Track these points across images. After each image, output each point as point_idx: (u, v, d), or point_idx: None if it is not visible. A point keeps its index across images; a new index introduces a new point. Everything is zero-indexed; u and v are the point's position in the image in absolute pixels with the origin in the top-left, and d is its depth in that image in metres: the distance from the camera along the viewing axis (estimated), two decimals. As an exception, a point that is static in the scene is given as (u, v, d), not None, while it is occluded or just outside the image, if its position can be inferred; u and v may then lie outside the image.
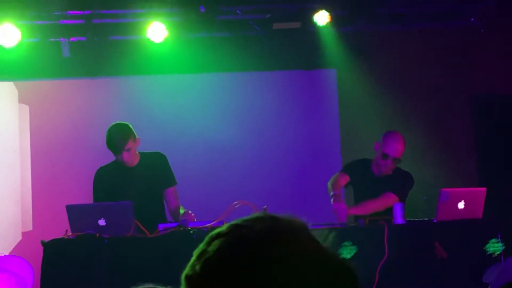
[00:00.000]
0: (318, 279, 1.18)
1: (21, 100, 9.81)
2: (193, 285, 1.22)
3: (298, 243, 1.21)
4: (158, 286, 3.15)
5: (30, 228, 9.69)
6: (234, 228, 1.24)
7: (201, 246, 1.25)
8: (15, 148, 9.90)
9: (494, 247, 6.55)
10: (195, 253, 1.26)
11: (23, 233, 9.64)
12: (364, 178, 7.73)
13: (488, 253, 6.65)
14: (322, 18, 9.16)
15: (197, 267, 1.21)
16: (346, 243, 6.53)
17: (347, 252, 6.48)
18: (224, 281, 1.17)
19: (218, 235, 1.23)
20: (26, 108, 9.99)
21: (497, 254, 6.59)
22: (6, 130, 9.85)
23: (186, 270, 1.24)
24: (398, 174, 7.60)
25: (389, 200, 7.26)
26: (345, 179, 7.77)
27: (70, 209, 6.68)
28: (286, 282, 1.15)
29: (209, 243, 1.23)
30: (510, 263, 2.99)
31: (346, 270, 1.23)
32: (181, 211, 7.26)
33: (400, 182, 7.51)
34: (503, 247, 6.68)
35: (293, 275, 1.16)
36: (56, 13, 8.86)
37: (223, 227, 1.27)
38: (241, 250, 1.19)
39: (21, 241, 9.56)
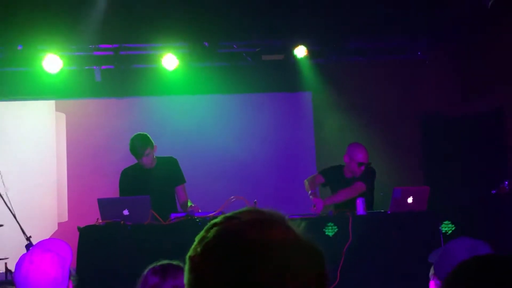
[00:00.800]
0: (293, 257, 1.22)
1: (58, 109, 9.77)
2: (195, 264, 1.27)
3: (276, 230, 1.25)
4: (172, 262, 3.32)
5: (66, 219, 9.53)
6: (227, 219, 1.29)
7: (202, 233, 1.30)
8: (53, 150, 9.81)
9: (447, 227, 6.69)
10: (197, 238, 1.31)
11: (59, 224, 9.55)
12: (338, 180, 7.67)
13: (443, 231, 6.71)
14: (301, 51, 9.28)
15: (198, 249, 1.27)
16: (329, 224, 6.65)
17: (330, 231, 6.62)
18: (219, 260, 1.22)
19: (214, 224, 1.29)
20: (63, 116, 9.84)
21: (450, 233, 6.67)
22: (45, 135, 9.77)
23: (190, 252, 1.30)
24: (368, 169, 7.68)
25: (358, 187, 7.33)
26: (320, 180, 7.78)
27: (101, 201, 6.76)
28: (267, 261, 1.19)
29: (208, 230, 1.29)
30: (450, 246, 2.74)
31: (315, 251, 1.28)
32: (189, 204, 7.30)
33: (365, 175, 7.54)
34: (454, 227, 6.74)
35: (272, 255, 1.20)
36: (90, 46, 9.00)
37: (219, 218, 1.31)
38: (232, 236, 1.25)
39: (57, 230, 9.46)
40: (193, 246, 1.30)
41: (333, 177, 7.76)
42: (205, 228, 1.31)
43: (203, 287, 1.25)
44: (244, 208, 1.34)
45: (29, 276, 2.84)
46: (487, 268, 1.61)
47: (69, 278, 2.98)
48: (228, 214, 1.32)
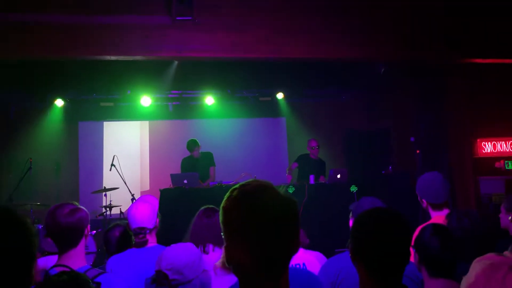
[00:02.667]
0: (278, 204, 1.21)
1: (149, 124, 9.87)
2: (225, 210, 1.23)
3: (270, 190, 1.24)
4: (215, 207, 3.27)
5: (148, 188, 9.49)
6: (242, 185, 1.26)
7: (228, 193, 1.26)
8: (138, 145, 9.81)
9: (353, 188, 6.78)
10: (226, 196, 1.26)
11: (141, 192, 9.24)
12: (308, 161, 7.61)
13: (351, 191, 6.81)
14: (280, 95, 9.51)
15: (227, 202, 1.23)
16: (289, 188, 6.79)
17: (290, 189, 6.66)
18: (239, 208, 1.20)
19: (236, 188, 1.25)
20: (146, 123, 9.85)
21: (356, 191, 6.78)
22: (138, 138, 9.85)
23: (222, 204, 1.25)
24: (321, 160, 7.77)
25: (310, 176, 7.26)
26: (295, 165, 7.66)
27: (172, 175, 6.88)
28: (264, 207, 1.19)
29: (232, 191, 1.25)
30: (361, 200, 2.61)
31: (292, 200, 1.24)
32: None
33: (322, 163, 7.73)
34: (357, 189, 6.77)
35: (267, 203, 1.20)
36: (166, 91, 9.20)
37: (238, 185, 1.27)
38: (246, 194, 1.23)
39: (146, 191, 9.23)
40: (224, 200, 1.26)
41: (304, 160, 7.64)
42: (230, 189, 1.27)
43: (230, 222, 1.22)
44: (251, 179, 1.31)
45: (134, 214, 2.82)
46: (375, 212, 1.63)
47: (157, 217, 2.93)
48: (242, 182, 1.28)
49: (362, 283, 1.55)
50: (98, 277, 2.00)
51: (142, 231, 2.77)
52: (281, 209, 1.21)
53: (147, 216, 2.81)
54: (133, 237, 2.88)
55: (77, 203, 2.35)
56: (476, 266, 1.27)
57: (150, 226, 2.80)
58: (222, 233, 1.25)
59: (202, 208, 3.39)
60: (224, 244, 1.23)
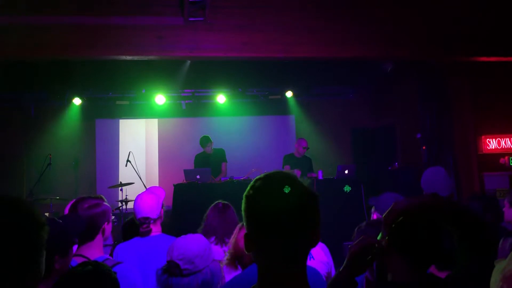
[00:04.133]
0: (300, 195, 1.18)
1: (159, 122, 9.89)
2: (248, 198, 1.21)
3: (294, 181, 1.20)
4: (227, 203, 3.38)
5: (162, 183, 9.37)
6: (267, 174, 1.23)
7: (252, 182, 1.23)
8: (152, 142, 9.80)
9: (347, 188, 6.80)
10: (250, 184, 1.23)
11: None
12: (294, 160, 7.56)
13: (345, 191, 6.82)
14: (289, 93, 9.44)
15: (251, 191, 1.20)
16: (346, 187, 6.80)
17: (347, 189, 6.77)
18: (261, 197, 1.18)
19: (260, 178, 1.23)
20: (160, 121, 9.85)
21: (349, 191, 6.77)
22: (149, 133, 9.85)
23: (245, 192, 1.22)
24: (306, 157, 7.70)
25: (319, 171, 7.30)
26: (287, 167, 7.54)
27: (185, 170, 6.94)
28: (286, 195, 1.16)
29: (256, 181, 1.22)
30: (385, 195, 2.66)
31: (314, 193, 1.23)
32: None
33: (308, 160, 7.67)
34: (350, 188, 6.77)
35: (290, 194, 1.17)
36: (180, 90, 9.23)
37: (262, 175, 1.24)
38: (270, 184, 1.20)
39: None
40: (247, 189, 1.23)
41: (291, 160, 7.61)
42: (255, 179, 1.24)
43: (251, 209, 1.20)
44: (276, 170, 1.26)
45: (139, 204, 2.84)
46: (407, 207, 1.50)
47: (161, 208, 2.91)
48: (267, 172, 1.25)
49: (400, 273, 1.52)
50: (114, 267, 2.03)
51: (146, 220, 2.79)
52: (302, 200, 1.19)
53: (151, 207, 2.82)
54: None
55: (102, 197, 2.39)
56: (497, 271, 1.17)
57: (154, 216, 2.82)
58: (242, 222, 1.23)
59: (215, 202, 3.42)
60: (246, 232, 1.21)
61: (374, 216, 2.68)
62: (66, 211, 2.88)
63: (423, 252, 1.49)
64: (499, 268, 1.17)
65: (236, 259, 2.08)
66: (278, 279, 1.16)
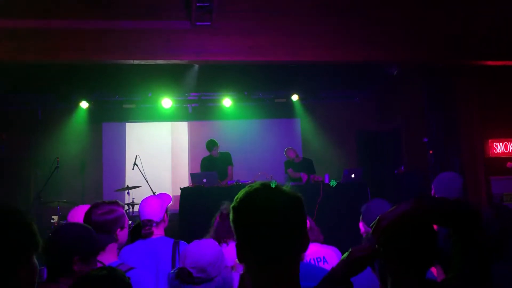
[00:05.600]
0: (280, 201, 1.20)
1: (172, 126, 9.89)
2: (234, 210, 1.23)
3: (273, 189, 1.22)
4: (226, 202, 3.31)
5: (169, 187, 9.45)
6: (249, 186, 1.25)
7: (237, 195, 1.25)
8: (159, 146, 9.84)
9: (332, 183, 6.79)
10: (235, 197, 1.25)
11: (162, 190, 9.09)
12: (293, 165, 7.69)
13: (331, 185, 6.78)
14: (295, 97, 9.44)
15: (236, 203, 1.23)
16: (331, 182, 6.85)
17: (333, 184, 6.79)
18: (242, 208, 1.20)
19: (244, 190, 1.25)
20: (167, 124, 9.86)
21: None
22: (155, 136, 9.85)
23: (232, 204, 1.25)
24: (305, 159, 7.83)
25: (312, 176, 7.34)
26: (291, 170, 7.72)
27: (192, 174, 7.01)
28: (274, 203, 1.18)
29: (240, 193, 1.25)
30: (370, 204, 2.61)
31: (296, 197, 1.22)
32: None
33: (308, 161, 7.76)
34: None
35: (269, 201, 1.19)
36: (186, 94, 9.28)
37: (254, 184, 1.26)
38: (249, 195, 1.23)
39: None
40: (233, 201, 1.26)
41: (292, 165, 7.75)
42: (240, 192, 1.26)
43: (236, 221, 1.23)
44: (257, 182, 1.28)
45: (143, 207, 2.89)
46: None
47: (165, 212, 2.94)
48: (259, 182, 1.27)
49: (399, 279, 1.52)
50: (128, 272, 2.04)
51: (149, 223, 2.84)
52: (286, 205, 1.20)
53: (155, 210, 2.86)
54: None
55: (117, 202, 2.41)
56: None
57: (157, 219, 2.85)
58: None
59: (221, 208, 3.42)
60: (236, 243, 1.23)
61: (361, 226, 2.66)
62: (70, 215, 2.91)
63: (418, 258, 1.48)
64: None
65: None
66: (269, 285, 1.16)
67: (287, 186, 1.25)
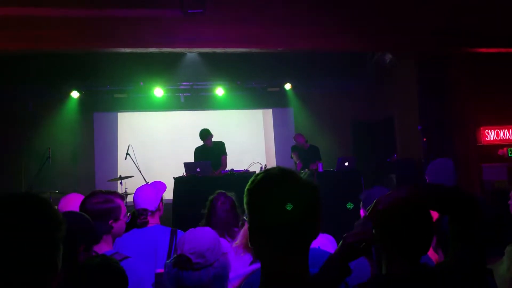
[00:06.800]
0: (299, 189, 1.20)
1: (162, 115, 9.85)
2: (250, 193, 1.22)
3: (292, 175, 1.22)
4: (229, 194, 3.33)
5: (162, 176, 9.65)
6: (267, 170, 1.25)
7: (253, 177, 1.24)
8: (151, 135, 9.71)
9: (349, 205, 6.20)
10: (251, 179, 1.24)
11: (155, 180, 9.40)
12: (300, 151, 7.68)
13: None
14: (287, 86, 9.47)
15: (253, 186, 1.22)
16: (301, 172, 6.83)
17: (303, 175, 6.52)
18: (261, 191, 1.20)
19: (261, 172, 1.25)
20: (159, 114, 9.73)
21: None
22: (148, 126, 9.74)
23: (247, 186, 1.23)
24: (312, 146, 7.79)
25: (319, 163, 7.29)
26: (296, 154, 7.72)
27: (185, 164, 6.89)
28: (285, 189, 1.18)
29: (257, 175, 1.24)
30: (371, 191, 2.64)
31: (313, 186, 1.23)
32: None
33: (315, 149, 7.79)
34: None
35: (289, 188, 1.19)
36: (178, 83, 9.21)
37: (263, 170, 1.26)
38: (270, 178, 1.22)
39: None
40: (249, 183, 1.24)
41: (299, 150, 7.73)
42: (255, 174, 1.25)
43: (253, 204, 1.22)
44: (275, 167, 1.28)
45: (138, 196, 2.88)
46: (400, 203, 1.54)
47: (161, 201, 2.93)
48: (266, 169, 1.27)
49: (393, 265, 1.53)
50: (122, 261, 2.02)
51: (144, 212, 2.83)
52: (301, 194, 1.19)
53: (150, 199, 2.85)
54: None
55: (116, 192, 2.39)
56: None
57: (152, 208, 2.84)
58: (245, 216, 1.24)
59: (217, 194, 3.35)
60: (248, 226, 1.22)
61: (361, 213, 2.68)
62: (61, 205, 2.88)
63: (411, 243, 1.49)
64: None
65: (247, 246, 2.04)
66: (281, 271, 1.17)
67: (304, 173, 1.24)
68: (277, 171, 1.24)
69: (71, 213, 1.98)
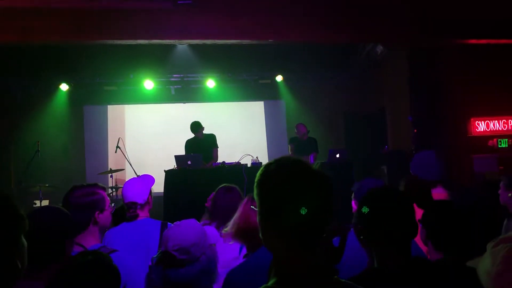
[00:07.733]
0: (312, 177, 1.17)
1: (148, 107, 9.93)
2: (261, 184, 1.19)
3: (304, 165, 1.19)
4: (230, 185, 3.23)
5: (152, 169, 9.45)
6: (278, 159, 1.21)
7: (263, 168, 1.21)
8: (141, 128, 9.74)
9: (365, 209, 6.71)
10: (261, 170, 1.21)
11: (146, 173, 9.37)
12: (299, 142, 7.62)
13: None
14: (279, 78, 9.44)
15: (264, 177, 1.19)
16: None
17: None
18: (275, 181, 1.17)
19: (271, 163, 1.21)
20: (149, 106, 9.78)
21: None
22: (138, 119, 9.74)
23: (257, 178, 1.20)
24: (310, 138, 7.71)
25: (315, 155, 7.42)
26: (292, 147, 7.67)
27: (176, 156, 6.78)
28: (297, 179, 1.16)
29: (268, 166, 1.20)
30: (362, 182, 2.59)
31: (324, 175, 1.20)
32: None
33: (313, 140, 7.71)
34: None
35: (300, 176, 1.16)
36: (168, 75, 9.19)
37: (274, 160, 1.22)
38: (282, 168, 1.19)
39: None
40: (259, 174, 1.21)
41: (297, 141, 7.65)
42: (266, 165, 1.22)
43: (265, 194, 1.19)
44: (285, 156, 1.25)
45: (127, 190, 2.90)
46: (378, 193, 1.69)
47: (149, 194, 2.93)
48: (277, 158, 1.23)
49: (384, 259, 1.56)
50: (110, 255, 2.02)
51: (133, 205, 2.83)
52: (317, 182, 1.17)
53: (138, 192, 2.85)
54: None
55: (98, 185, 2.37)
56: (496, 252, 1.18)
57: (141, 201, 2.85)
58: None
59: (221, 186, 3.29)
60: (258, 219, 1.20)
61: (353, 204, 2.66)
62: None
63: (399, 235, 1.52)
64: (498, 250, 1.19)
65: (242, 234, 1.97)
66: (295, 263, 1.16)
67: (316, 164, 1.22)
68: (288, 161, 1.21)
69: (47, 208, 1.96)
